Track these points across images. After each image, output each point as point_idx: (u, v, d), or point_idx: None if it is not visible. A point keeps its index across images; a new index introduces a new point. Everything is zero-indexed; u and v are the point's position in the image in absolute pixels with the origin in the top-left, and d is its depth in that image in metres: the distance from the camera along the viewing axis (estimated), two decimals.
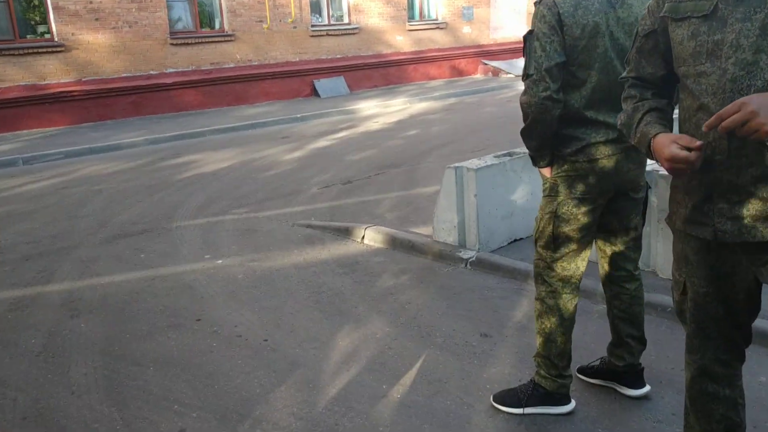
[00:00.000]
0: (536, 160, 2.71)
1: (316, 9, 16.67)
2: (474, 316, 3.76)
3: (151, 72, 13.77)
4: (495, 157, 4.78)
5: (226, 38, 14.75)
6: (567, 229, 2.63)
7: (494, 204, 4.57)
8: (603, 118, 2.55)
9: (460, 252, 4.53)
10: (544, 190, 2.75)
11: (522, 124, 2.67)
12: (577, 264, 2.69)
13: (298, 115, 13.45)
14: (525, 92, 2.54)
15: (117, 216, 6.69)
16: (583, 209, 2.61)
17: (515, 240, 4.79)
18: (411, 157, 9.03)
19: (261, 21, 15.23)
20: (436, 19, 19.01)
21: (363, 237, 5.25)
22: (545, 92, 2.47)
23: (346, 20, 17.04)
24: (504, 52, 20.79)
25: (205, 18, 14.95)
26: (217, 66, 14.69)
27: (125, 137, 11.48)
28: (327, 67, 16.51)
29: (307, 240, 5.48)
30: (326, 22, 16.72)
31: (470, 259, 4.46)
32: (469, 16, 19.75)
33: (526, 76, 2.54)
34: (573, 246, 2.66)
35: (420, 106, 15.05)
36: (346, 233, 5.43)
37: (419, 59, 18.54)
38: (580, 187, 2.59)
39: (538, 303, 2.77)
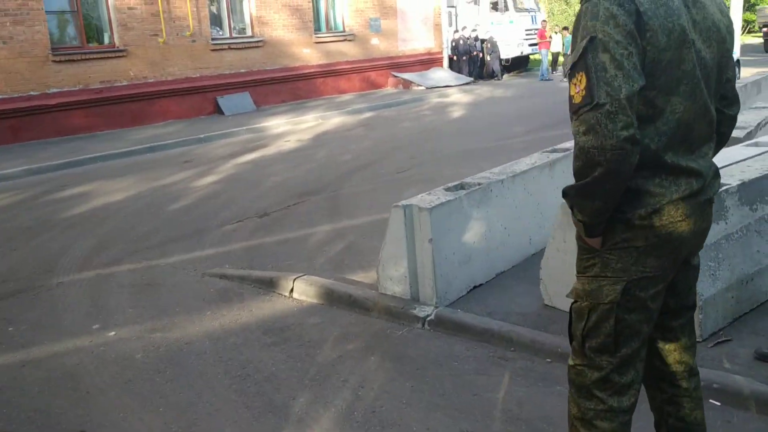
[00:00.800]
0: (592, 228, 1.85)
1: (216, 21, 15.55)
2: (449, 404, 2.95)
3: (32, 93, 12.23)
4: (447, 191, 4.04)
5: (118, 54, 13.40)
6: (633, 320, 1.87)
7: (451, 248, 3.82)
8: (685, 163, 1.81)
9: (415, 308, 3.73)
10: (585, 267, 1.95)
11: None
12: (639, 366, 1.93)
13: (202, 135, 12.32)
14: (589, 131, 1.68)
15: None
16: (653, 291, 1.86)
17: (474, 287, 4.05)
18: (332, 181, 8.19)
19: (156, 35, 13.96)
20: (344, 31, 18.28)
21: (292, 290, 4.36)
22: (626, 131, 1.66)
23: (249, 33, 16.00)
24: (414, 63, 20.34)
25: (92, 32, 13.53)
26: (108, 84, 13.30)
27: (1, 167, 9.99)
28: (231, 82, 15.40)
29: (223, 296, 4.53)
30: (228, 35, 15.62)
31: (428, 318, 3.68)
32: (377, 27, 19.17)
33: (585, 106, 1.69)
34: (637, 342, 1.90)
35: (334, 121, 14.23)
36: (270, 285, 4.52)
37: (329, 72, 17.74)
38: (651, 262, 1.83)
39: (581, 426, 1.96)
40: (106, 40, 13.55)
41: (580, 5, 1.76)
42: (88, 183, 9.08)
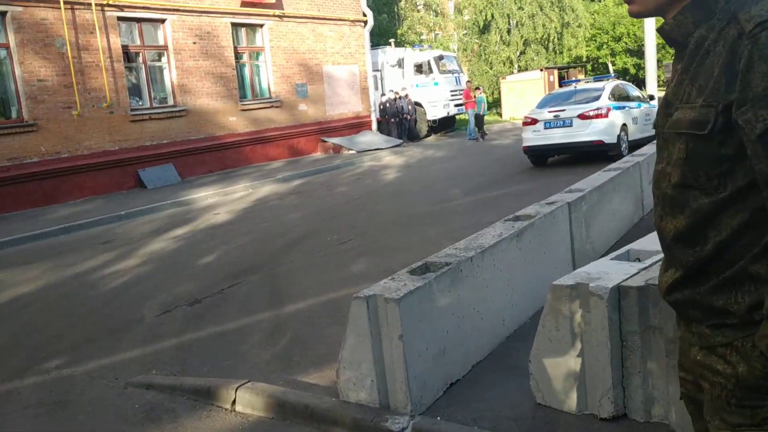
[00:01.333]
0: None
1: (135, 91, 14.85)
2: None
3: None
4: (412, 274, 3.50)
5: (27, 129, 12.46)
6: None
7: (423, 343, 3.26)
8: None
9: (387, 420, 3.12)
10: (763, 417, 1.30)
11: None
12: None
13: (122, 212, 11.46)
14: None
15: None
16: None
17: (451, 384, 3.49)
18: (269, 257, 7.53)
19: (70, 107, 13.12)
20: (271, 97, 17.89)
21: (234, 402, 3.67)
22: None
23: (171, 102, 15.36)
24: (343, 128, 20.11)
25: None
26: (16, 162, 12.30)
27: None
28: (153, 154, 14.62)
29: (150, 413, 3.78)
30: (148, 105, 14.93)
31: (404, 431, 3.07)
32: (304, 93, 18.89)
33: None
34: None
35: (265, 190, 13.62)
36: (207, 396, 3.81)
37: (257, 140, 17.21)
38: None
39: None
40: (14, 114, 12.61)
41: (739, 38, 1.21)
42: None
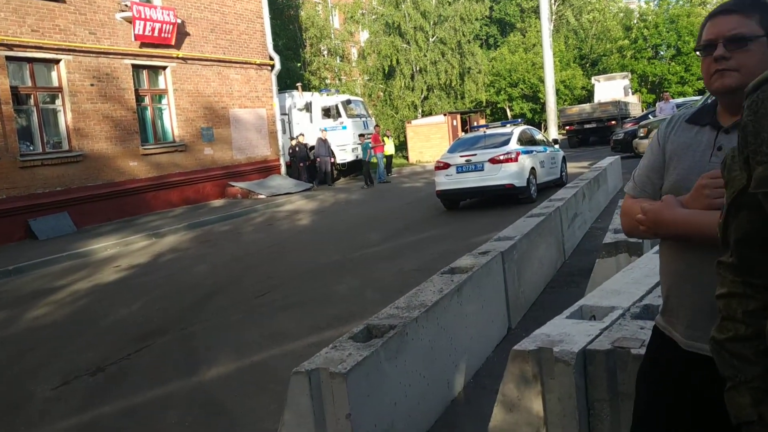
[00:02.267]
0: None
1: (25, 135, 13.81)
2: None
3: None
4: (355, 341, 3.18)
5: None
6: None
7: (372, 419, 2.94)
8: None
9: None
10: None
11: None
12: None
13: (10, 267, 10.46)
14: None
15: None
16: None
17: None
18: (179, 316, 6.96)
19: None
20: (174, 141, 17.19)
21: None
22: None
23: (65, 147, 14.40)
24: (251, 172, 19.61)
25: None
26: None
27: None
28: (45, 202, 13.58)
29: None
30: (41, 150, 13.91)
31: None
32: (210, 136, 18.31)
33: None
34: None
35: (168, 240, 12.89)
36: None
37: (159, 185, 16.41)
38: None
39: None
40: None
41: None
42: None
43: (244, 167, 19.45)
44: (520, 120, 16.79)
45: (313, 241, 11.17)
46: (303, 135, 21.70)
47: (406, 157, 31.43)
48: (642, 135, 16.65)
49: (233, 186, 18.61)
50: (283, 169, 21.16)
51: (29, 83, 13.78)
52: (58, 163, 13.96)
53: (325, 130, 22.58)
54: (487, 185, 12.24)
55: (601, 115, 29.66)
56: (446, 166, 12.62)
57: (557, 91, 45.90)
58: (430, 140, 30.43)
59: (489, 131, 13.63)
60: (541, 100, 44.95)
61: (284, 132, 22.45)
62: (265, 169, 20.33)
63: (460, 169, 12.45)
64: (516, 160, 12.22)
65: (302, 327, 6.00)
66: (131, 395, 4.75)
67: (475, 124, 27.07)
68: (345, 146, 23.24)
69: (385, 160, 22.50)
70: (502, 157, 12.17)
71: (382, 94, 34.82)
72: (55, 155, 13.99)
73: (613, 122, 29.41)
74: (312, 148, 21.72)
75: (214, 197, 18.23)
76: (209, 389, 4.69)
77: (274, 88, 21.01)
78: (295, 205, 16.97)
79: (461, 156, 12.51)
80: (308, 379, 2.81)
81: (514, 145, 12.58)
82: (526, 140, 13.30)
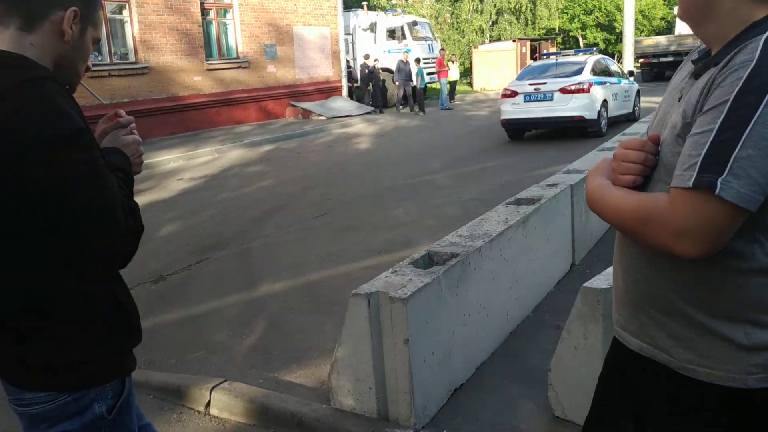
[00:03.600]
0: None
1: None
2: None
3: None
4: (416, 267, 3.09)
5: None
6: None
7: (429, 347, 2.87)
8: None
9: None
10: None
11: None
12: None
13: None
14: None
15: None
16: None
17: (455, 390, 3.11)
18: (239, 231, 7.04)
19: None
20: (238, 57, 17.10)
21: (209, 404, 3.24)
22: None
23: (132, 58, 14.49)
24: (313, 92, 19.45)
25: None
26: None
27: None
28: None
29: None
30: (108, 61, 14.04)
31: None
32: (273, 54, 18.12)
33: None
34: None
35: (232, 155, 13.00)
36: (177, 396, 3.36)
37: (223, 101, 16.46)
38: None
39: None
40: None
41: None
42: None
43: (306, 87, 19.28)
44: (594, 49, 15.96)
45: (373, 165, 11.06)
46: (369, 55, 21.09)
47: (471, 84, 30.62)
48: None
49: (295, 106, 18.53)
50: (344, 90, 20.90)
51: None
52: (125, 75, 14.10)
53: (389, 52, 22.09)
54: (555, 116, 11.77)
55: (678, 48, 27.97)
56: (513, 94, 12.16)
57: (634, 21, 43.52)
58: (496, 67, 29.45)
59: (561, 59, 13.00)
60: (617, 30, 42.78)
61: (347, 53, 22.04)
62: (327, 89, 20.12)
63: (528, 98, 11.98)
64: (588, 90, 11.66)
65: (358, 249, 5.96)
66: (189, 305, 4.84)
67: (545, 51, 25.93)
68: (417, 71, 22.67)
69: (448, 86, 21.90)
70: (573, 87, 11.63)
71: (449, 16, 33.65)
72: (122, 66, 14.11)
73: None
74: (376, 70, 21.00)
75: (275, 116, 18.22)
76: (264, 305, 4.73)
77: (340, 6, 20.50)
78: (356, 128, 16.81)
79: (530, 84, 12.01)
80: (367, 302, 2.74)
81: (587, 75, 11.98)
82: (600, 71, 12.65)
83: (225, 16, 16.95)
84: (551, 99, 11.78)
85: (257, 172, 11.02)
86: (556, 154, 10.68)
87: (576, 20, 42.53)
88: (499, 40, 32.23)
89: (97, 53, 13.92)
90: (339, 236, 6.54)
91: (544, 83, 11.88)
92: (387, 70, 22.63)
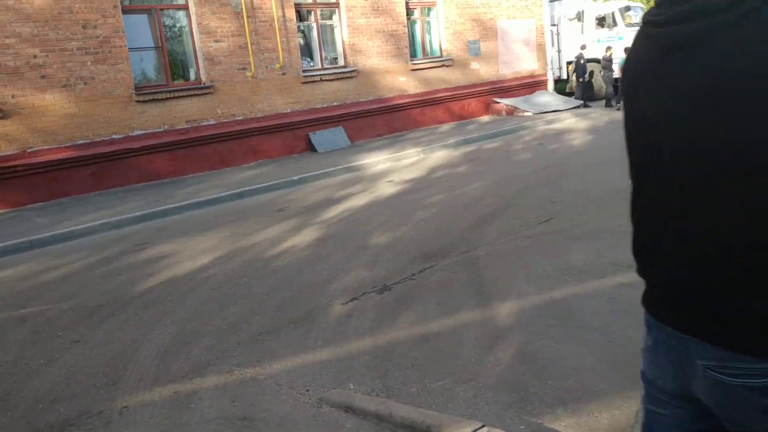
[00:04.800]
0: None
1: (306, 52, 14.43)
2: None
3: (114, 136, 11.35)
4: None
5: (204, 91, 12.41)
6: None
7: None
8: None
9: None
10: None
11: None
12: None
13: (295, 177, 11.05)
14: None
15: (23, 384, 4.16)
16: None
17: None
18: (459, 237, 6.56)
19: (244, 68, 12.93)
20: (441, 56, 16.82)
21: None
22: None
23: (341, 63, 14.80)
24: (516, 88, 18.63)
25: (177, 69, 12.63)
26: (194, 124, 12.32)
27: (78, 222, 8.98)
28: (323, 117, 14.19)
29: None
30: (319, 66, 14.45)
31: None
32: (476, 50, 17.61)
33: None
34: None
35: (437, 156, 12.70)
36: None
37: (425, 101, 16.28)
38: None
39: None
40: (192, 77, 12.60)
41: None
42: (170, 240, 7.87)
43: (510, 82, 18.52)
44: None
45: (593, 164, 10.06)
46: (585, 46, 19.64)
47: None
48: None
49: (498, 102, 17.87)
50: (550, 84, 19.82)
51: (310, 0, 14.23)
52: (335, 79, 14.41)
53: (599, 42, 20.57)
54: None
55: None
56: None
57: None
58: None
59: None
60: None
61: (552, 45, 20.89)
62: (532, 84, 19.19)
63: None
64: None
65: (602, 262, 5.19)
66: (420, 321, 4.43)
67: None
68: (620, 61, 20.95)
69: None
70: None
71: None
72: (332, 71, 14.44)
73: None
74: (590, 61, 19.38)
75: (479, 114, 17.70)
76: (506, 326, 4.16)
77: None
78: (565, 124, 15.75)
79: None
80: None
81: None
82: None
83: (429, 15, 16.76)
84: None
85: (466, 172, 10.54)
86: None
87: None
88: None
89: (309, 58, 14.38)
90: (575, 245, 5.80)
91: None
92: (595, 60, 21.15)
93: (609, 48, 18.59)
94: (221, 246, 7.30)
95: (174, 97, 12.03)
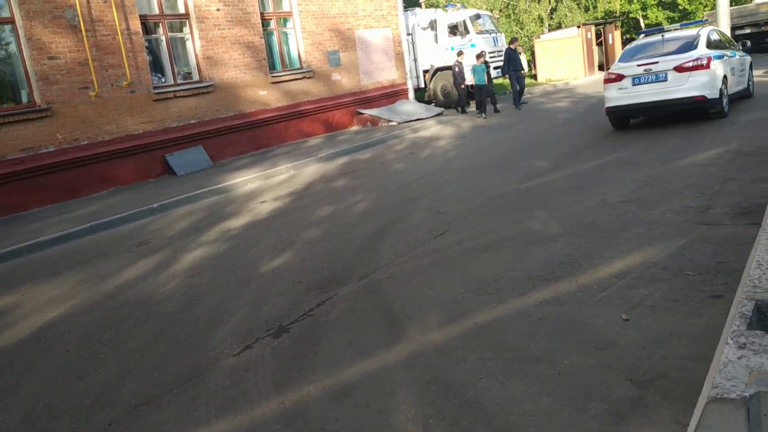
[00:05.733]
0: None
1: (157, 67, 13.25)
2: None
3: None
4: (764, 330, 1.93)
5: (40, 114, 10.93)
6: None
7: None
8: None
9: None
10: None
11: None
12: None
13: (155, 204, 9.96)
14: None
15: None
16: None
17: None
18: (354, 260, 5.99)
19: (86, 87, 11.57)
20: (302, 67, 16.22)
21: None
22: None
23: (196, 77, 13.75)
24: (379, 98, 18.44)
25: (5, 91, 11.05)
26: (31, 152, 10.80)
27: None
28: (180, 136, 13.08)
29: None
30: (172, 82, 13.32)
31: None
32: (336, 61, 17.20)
33: None
34: None
35: (309, 171, 12.07)
36: None
37: (290, 115, 15.60)
38: None
39: None
40: (25, 99, 11.07)
41: None
42: (9, 291, 6.63)
43: (372, 93, 18.29)
44: (705, 20, 14.45)
45: (470, 170, 9.91)
46: (463, 54, 19.33)
47: (534, 77, 29.15)
48: None
49: (362, 113, 17.55)
50: (411, 93, 19.83)
51: (156, 11, 13.09)
52: (190, 95, 13.35)
53: (452, 49, 20.96)
54: (671, 98, 10.37)
55: (755, 18, 25.79)
56: (619, 77, 10.83)
57: None
58: (561, 56, 27.92)
59: (667, 35, 11.58)
60: (681, 7, 40.59)
61: (408, 54, 20.96)
62: (393, 94, 19.09)
63: (637, 80, 10.63)
64: (707, 66, 10.24)
65: (515, 276, 4.83)
66: (334, 369, 3.79)
67: (642, 29, 24.13)
68: (471, 68, 21.41)
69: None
70: (690, 64, 10.23)
71: (505, 6, 32.23)
72: (187, 86, 13.37)
73: None
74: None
75: (344, 126, 17.28)
76: (433, 363, 3.63)
77: (400, 5, 19.47)
78: (431, 132, 15.72)
79: (638, 65, 10.65)
80: (746, 416, 1.59)
81: (702, 49, 10.55)
82: (714, 43, 11.19)
83: (285, 25, 16.11)
84: (665, 79, 10.39)
85: (344, 187, 10.01)
86: (681, 142, 9.34)
87: (635, 1, 40.53)
88: (559, 28, 30.65)
89: (160, 74, 13.23)
90: (480, 259, 5.42)
91: (656, 62, 10.50)
92: (448, 68, 21.51)
93: (461, 53, 18.86)
94: (75, 293, 6.21)
95: (3, 123, 10.47)
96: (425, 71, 21.79)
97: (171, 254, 7.24)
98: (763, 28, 25.40)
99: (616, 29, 32.63)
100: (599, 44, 29.78)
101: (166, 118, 12.86)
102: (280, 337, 4.42)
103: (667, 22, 40.06)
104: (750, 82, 12.70)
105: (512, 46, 18.48)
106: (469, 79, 18.35)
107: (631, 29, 44.31)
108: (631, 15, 41.63)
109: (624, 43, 42.11)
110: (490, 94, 18.29)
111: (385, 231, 6.89)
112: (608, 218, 5.94)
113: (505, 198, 7.62)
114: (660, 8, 41.03)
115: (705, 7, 40.26)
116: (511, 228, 6.25)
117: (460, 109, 18.95)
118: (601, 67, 29.75)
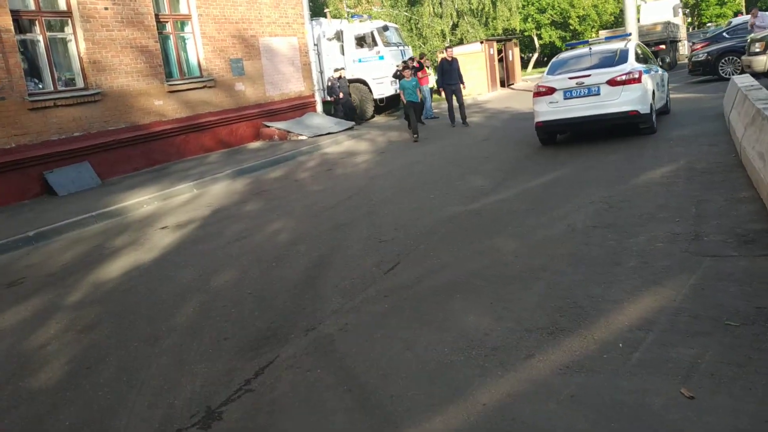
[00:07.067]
0: None
1: (33, 71, 11.43)
2: None
3: None
4: None
5: None
6: None
7: None
8: None
9: None
10: None
11: None
12: None
13: (31, 233, 8.34)
14: None
15: None
16: None
17: None
18: (292, 305, 4.85)
19: None
20: (202, 76, 14.76)
21: None
22: None
23: (80, 84, 12.03)
24: (286, 110, 17.24)
25: None
26: None
27: None
28: (62, 151, 11.32)
29: None
30: (51, 89, 11.55)
31: None
32: (240, 70, 15.86)
33: None
34: None
35: (216, 190, 10.72)
36: None
37: (189, 127, 14.09)
38: None
39: None
40: None
41: None
42: None
43: (279, 105, 17.06)
44: (629, 34, 14.33)
45: (402, 189, 8.97)
46: (344, 69, 19.07)
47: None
48: (758, 50, 14.14)
49: (269, 126, 16.27)
50: (319, 106, 18.76)
51: (33, 7, 11.32)
52: (74, 104, 11.63)
53: (360, 61, 20.19)
54: (604, 113, 9.91)
55: (648, 38, 26.77)
56: (550, 91, 10.28)
57: (586, 17, 42.90)
58: (465, 72, 27.64)
59: (594, 47, 11.21)
60: (572, 27, 42.02)
61: (315, 65, 19.92)
62: (301, 106, 17.95)
63: (569, 94, 10.12)
64: (639, 80, 9.89)
65: (509, 329, 3.87)
66: None
67: (569, 42, 24.20)
68: (383, 79, 20.71)
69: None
70: (623, 77, 9.82)
71: (407, 20, 31.85)
72: (69, 94, 11.64)
73: (662, 46, 26.73)
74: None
75: (249, 139, 15.93)
76: None
77: (306, 12, 18.40)
78: (345, 147, 14.71)
79: (570, 78, 10.15)
80: None
81: (633, 62, 10.21)
82: (642, 57, 10.93)
83: (183, 29, 14.62)
84: (598, 93, 9.94)
85: (259, 210, 8.80)
86: (622, 158, 8.84)
87: (530, 20, 41.61)
88: (461, 43, 30.63)
89: (37, 80, 11.43)
90: (453, 304, 4.43)
91: (588, 75, 10.04)
92: (359, 81, 20.69)
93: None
94: None
95: None
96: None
97: (52, 299, 5.79)
98: (653, 48, 26.33)
99: (515, 46, 33.11)
100: (500, 60, 29.98)
101: (44, 129, 11.08)
102: (209, 428, 3.23)
103: (560, 41, 41.38)
104: (668, 98, 12.62)
105: (448, 57, 17.19)
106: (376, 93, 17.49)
107: (525, 48, 45.55)
108: (525, 33, 42.68)
109: (523, 60, 43.25)
110: (421, 110, 17.10)
111: (322, 265, 5.79)
112: (588, 248, 5.14)
113: (455, 222, 6.71)
114: (553, 27, 42.36)
115: (593, 28, 42.01)
116: (475, 261, 5.32)
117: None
118: (503, 83, 29.96)
